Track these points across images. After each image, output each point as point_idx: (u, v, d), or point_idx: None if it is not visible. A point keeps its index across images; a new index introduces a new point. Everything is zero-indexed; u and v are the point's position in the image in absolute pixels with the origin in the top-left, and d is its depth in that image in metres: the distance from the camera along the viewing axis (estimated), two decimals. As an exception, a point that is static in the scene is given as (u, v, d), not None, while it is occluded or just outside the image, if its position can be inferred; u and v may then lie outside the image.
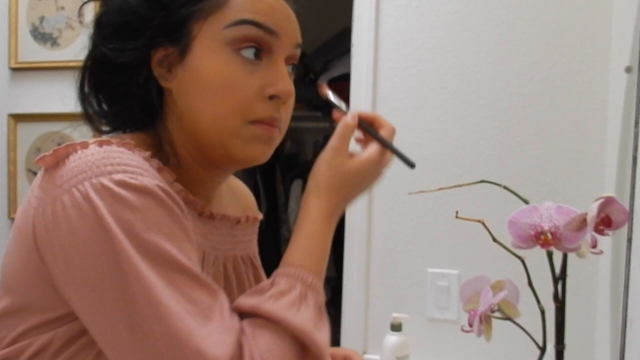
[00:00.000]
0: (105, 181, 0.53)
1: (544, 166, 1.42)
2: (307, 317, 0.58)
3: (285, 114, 0.68)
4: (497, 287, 0.90)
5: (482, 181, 0.92)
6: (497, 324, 0.89)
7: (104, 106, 0.69)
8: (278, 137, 0.68)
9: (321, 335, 0.58)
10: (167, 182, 0.61)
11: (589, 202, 0.79)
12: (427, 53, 1.50)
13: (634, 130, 1.11)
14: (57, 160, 0.58)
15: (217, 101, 0.63)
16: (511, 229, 0.83)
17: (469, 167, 1.46)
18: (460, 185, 0.96)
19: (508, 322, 0.90)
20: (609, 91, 1.37)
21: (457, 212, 0.90)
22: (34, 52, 1.83)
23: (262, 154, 0.67)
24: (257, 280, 0.77)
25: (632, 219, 1.07)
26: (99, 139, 0.60)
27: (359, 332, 1.54)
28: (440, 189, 0.98)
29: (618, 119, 1.28)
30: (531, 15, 1.43)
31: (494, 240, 0.88)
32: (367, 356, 1.53)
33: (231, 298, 0.60)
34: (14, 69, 1.84)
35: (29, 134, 1.84)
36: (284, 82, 0.65)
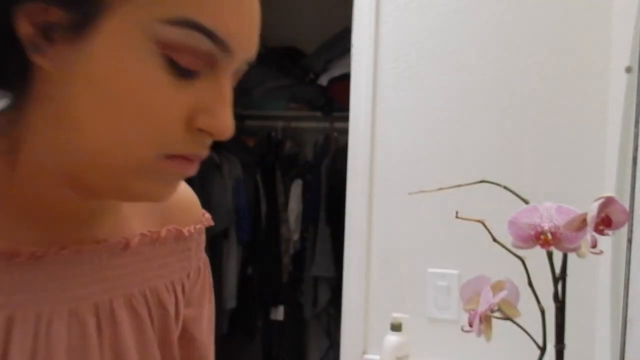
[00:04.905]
0: None
1: (544, 166, 1.42)
2: None
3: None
4: (497, 287, 0.90)
5: (482, 181, 0.92)
6: (497, 324, 0.89)
7: None
8: (193, 171, 0.46)
9: None
10: None
11: (589, 202, 0.79)
12: (427, 53, 1.50)
13: (634, 130, 1.11)
14: None
15: (122, 121, 0.41)
16: (511, 229, 0.83)
17: (469, 167, 1.46)
18: (460, 185, 0.96)
19: (508, 322, 0.90)
20: (609, 91, 1.37)
21: (457, 212, 0.90)
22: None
23: (166, 194, 0.47)
24: (164, 321, 0.55)
25: (632, 219, 1.07)
26: None
27: (359, 332, 1.54)
28: (440, 189, 0.97)
29: (618, 119, 1.28)
30: (531, 15, 1.43)
31: (494, 240, 0.88)
32: (367, 356, 1.54)
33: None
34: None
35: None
36: (224, 114, 0.43)
